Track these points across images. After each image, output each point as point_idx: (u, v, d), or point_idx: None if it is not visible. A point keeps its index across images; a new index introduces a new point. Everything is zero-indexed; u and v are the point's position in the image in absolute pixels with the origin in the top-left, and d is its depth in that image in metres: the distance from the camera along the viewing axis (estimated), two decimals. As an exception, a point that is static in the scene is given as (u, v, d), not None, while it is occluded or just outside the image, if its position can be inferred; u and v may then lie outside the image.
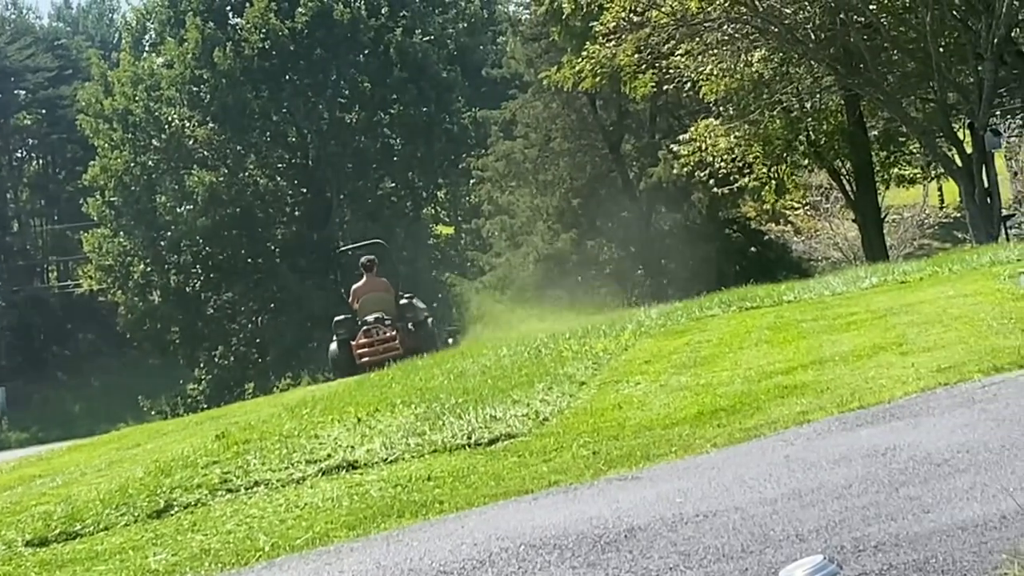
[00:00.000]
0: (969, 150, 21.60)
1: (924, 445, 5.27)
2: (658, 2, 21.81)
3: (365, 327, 19.17)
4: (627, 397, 8.02)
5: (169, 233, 45.86)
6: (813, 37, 22.26)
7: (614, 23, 22.34)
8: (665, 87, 24.71)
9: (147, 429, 14.76)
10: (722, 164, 25.29)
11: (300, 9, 45.39)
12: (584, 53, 24.05)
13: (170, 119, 46.46)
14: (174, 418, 23.71)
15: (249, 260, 46.38)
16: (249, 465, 7.70)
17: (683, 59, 22.86)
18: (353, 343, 19.17)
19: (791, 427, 6.18)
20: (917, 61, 21.96)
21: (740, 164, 25.65)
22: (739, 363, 8.56)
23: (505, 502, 5.64)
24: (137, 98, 46.37)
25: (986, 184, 21.60)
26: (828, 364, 7.81)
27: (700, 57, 22.84)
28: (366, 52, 47.18)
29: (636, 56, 22.56)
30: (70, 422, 46.09)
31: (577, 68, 24.34)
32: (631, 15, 22.01)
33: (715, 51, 22.82)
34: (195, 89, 45.72)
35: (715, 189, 27.80)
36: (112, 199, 46.44)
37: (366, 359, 18.49)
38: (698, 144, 24.78)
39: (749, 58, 22.98)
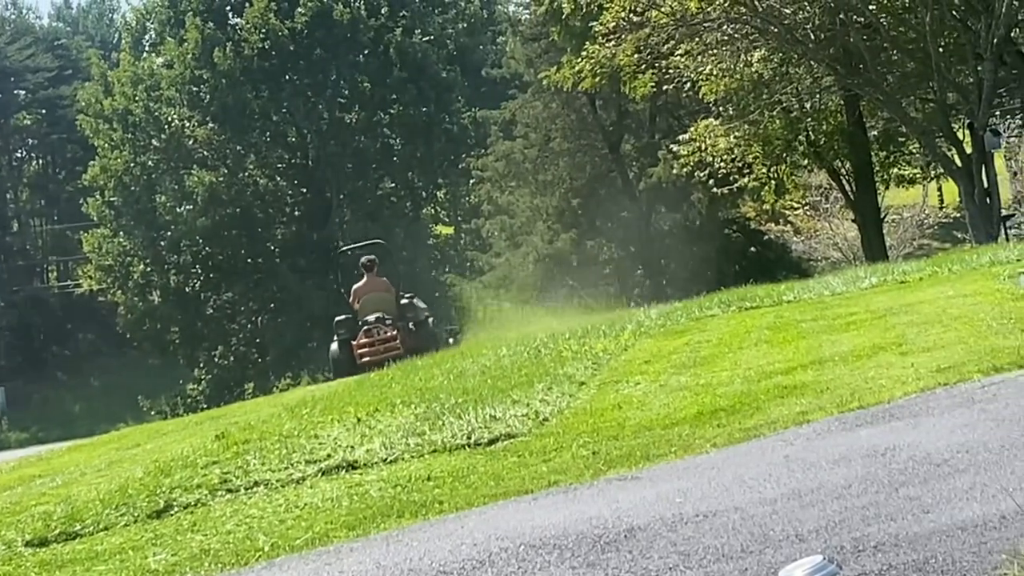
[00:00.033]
0: (969, 150, 21.60)
1: (924, 445, 5.27)
2: (658, 2, 21.81)
3: (366, 327, 19.17)
4: (627, 397, 8.01)
5: (169, 233, 45.85)
6: (813, 37, 22.25)
7: (614, 23, 22.34)
8: (665, 87, 24.72)
9: (147, 429, 14.76)
10: (722, 164, 25.29)
11: (300, 9, 45.38)
12: (584, 53, 24.04)
13: (170, 119, 46.45)
14: (174, 418, 23.69)
15: (249, 260, 46.37)
16: (249, 465, 7.70)
17: (683, 59, 22.86)
18: (354, 343, 19.18)
19: (791, 427, 6.18)
20: (917, 61, 21.96)
21: (740, 164, 25.65)
22: (739, 363, 8.56)
23: (505, 502, 5.64)
24: (137, 98, 46.35)
25: (986, 184, 21.59)
26: (828, 364, 7.81)
27: (700, 57, 22.84)
28: (366, 52, 47.17)
29: (636, 56, 22.56)
30: (70, 422, 46.08)
31: (577, 68, 24.34)
32: (631, 15, 22.01)
33: (715, 51, 22.82)
34: (195, 89, 45.72)
35: (715, 189, 27.83)
36: (112, 199, 46.43)
37: (367, 359, 18.49)
38: (698, 144, 24.78)
39: (749, 58, 22.98)
